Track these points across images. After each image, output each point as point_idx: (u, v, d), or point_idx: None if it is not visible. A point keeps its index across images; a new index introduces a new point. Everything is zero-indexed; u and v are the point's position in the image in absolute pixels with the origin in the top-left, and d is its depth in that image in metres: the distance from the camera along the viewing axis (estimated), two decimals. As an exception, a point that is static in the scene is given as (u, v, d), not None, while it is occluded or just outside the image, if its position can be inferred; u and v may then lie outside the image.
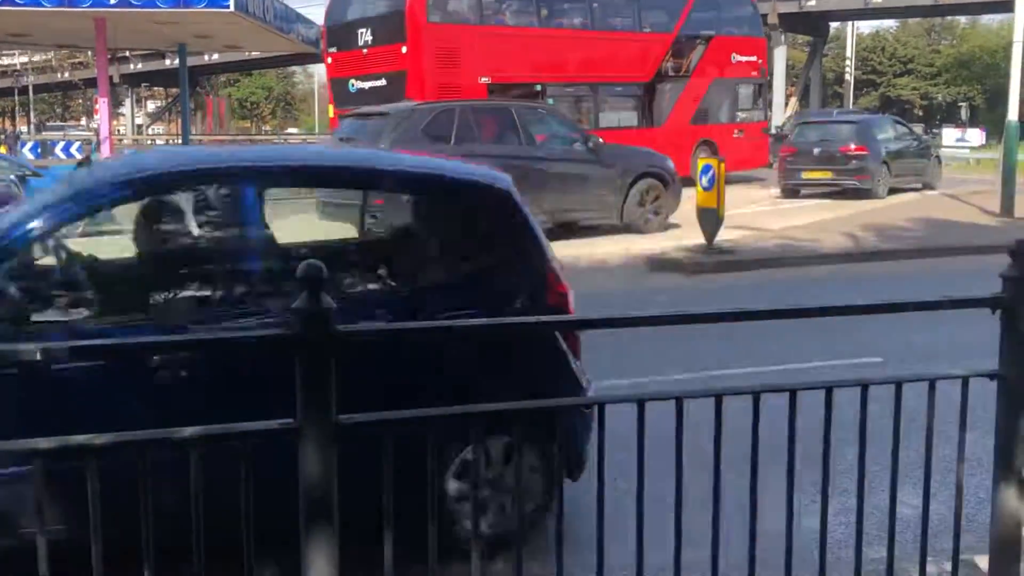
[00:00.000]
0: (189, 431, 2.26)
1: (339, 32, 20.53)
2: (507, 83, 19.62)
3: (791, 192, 21.26)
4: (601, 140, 15.27)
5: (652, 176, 14.64)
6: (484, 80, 19.47)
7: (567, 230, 15.51)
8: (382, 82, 19.15)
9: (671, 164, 15.44)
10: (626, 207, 14.43)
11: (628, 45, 22.04)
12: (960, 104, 58.21)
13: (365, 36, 19.69)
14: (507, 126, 14.03)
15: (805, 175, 20.73)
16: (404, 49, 18.64)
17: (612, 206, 14.40)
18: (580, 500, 4.34)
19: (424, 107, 14.16)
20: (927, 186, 22.85)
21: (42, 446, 2.29)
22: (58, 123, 69.56)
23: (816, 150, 20.56)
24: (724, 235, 12.54)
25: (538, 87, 20.37)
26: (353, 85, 20.00)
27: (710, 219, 11.86)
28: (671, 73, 23.04)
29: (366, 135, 13.13)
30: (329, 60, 20.95)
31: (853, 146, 20.41)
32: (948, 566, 3.23)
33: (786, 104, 50.85)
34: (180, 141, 34.14)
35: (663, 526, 4.09)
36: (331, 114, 21.13)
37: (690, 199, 13.57)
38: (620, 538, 4.01)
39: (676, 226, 14.84)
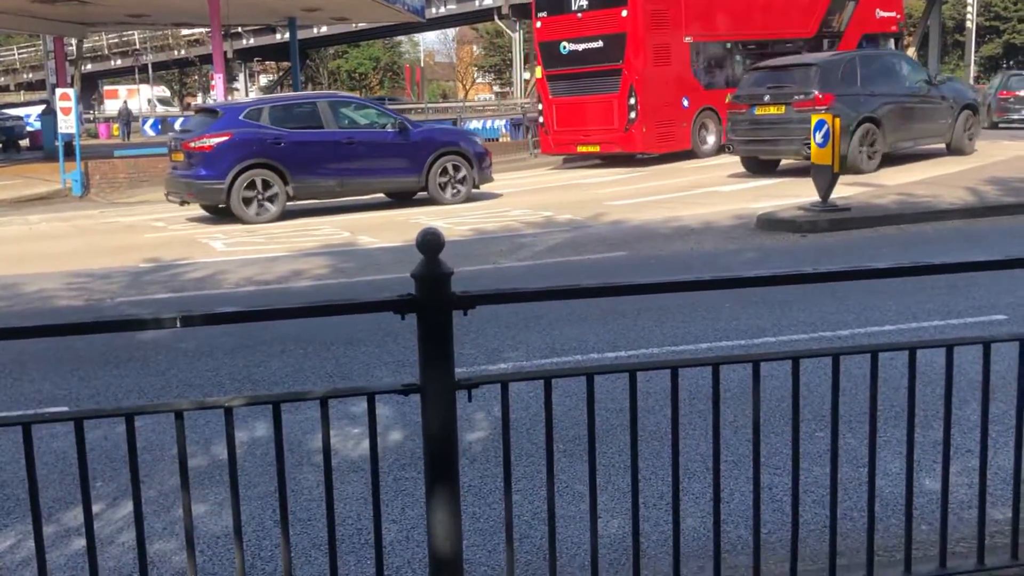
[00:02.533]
0: (320, 391, 2.38)
1: None
2: (703, 42, 22.03)
3: (995, 126, 27.18)
4: (945, 76, 19.79)
5: (970, 108, 18.47)
6: (687, 39, 21.63)
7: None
8: (598, 44, 21.13)
9: (977, 96, 20.34)
10: (955, 132, 18.01)
11: (797, 3, 23.49)
12: (1093, 48, 54.97)
13: (579, 1, 21.42)
14: (885, 70, 17.40)
15: None
16: (624, 13, 20.66)
17: (944, 132, 17.94)
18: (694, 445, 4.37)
19: (837, 58, 17.47)
20: None
21: (184, 406, 2.46)
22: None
23: None
24: (839, 192, 12.24)
25: (728, 44, 22.69)
26: (564, 47, 21.70)
27: (825, 176, 11.57)
28: (828, 29, 24.24)
29: (792, 81, 16.61)
30: (539, 24, 22.44)
31: None
32: (1078, 527, 3.15)
33: (903, 55, 48.93)
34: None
35: (774, 482, 4.09)
36: (539, 75, 22.96)
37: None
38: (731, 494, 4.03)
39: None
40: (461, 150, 15.76)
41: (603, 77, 20.99)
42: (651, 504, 3.99)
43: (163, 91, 60.85)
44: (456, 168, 15.64)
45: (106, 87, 64.19)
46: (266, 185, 14.22)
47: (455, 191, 15.69)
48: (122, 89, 60.14)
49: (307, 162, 14.49)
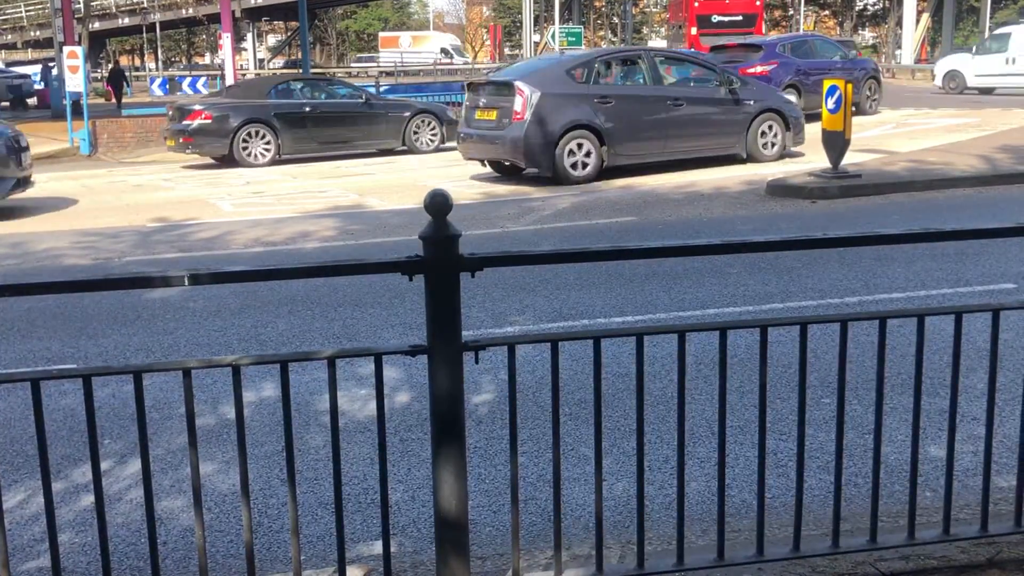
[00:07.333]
0: (327, 351, 2.39)
1: None
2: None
3: None
4: None
5: None
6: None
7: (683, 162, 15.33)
8: (739, 18, 36.47)
9: None
10: None
11: None
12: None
13: None
14: None
15: None
16: (758, 2, 37.63)
17: None
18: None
19: None
20: None
21: (192, 365, 2.46)
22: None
23: None
24: (850, 159, 12.17)
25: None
26: (714, 18, 36.38)
27: (836, 142, 11.48)
28: None
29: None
30: (696, 3, 36.72)
31: None
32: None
33: (917, 22, 48.42)
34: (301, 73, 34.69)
35: (779, 448, 4.11)
36: (693, 32, 36.21)
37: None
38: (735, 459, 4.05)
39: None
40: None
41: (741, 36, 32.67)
42: (656, 468, 4.01)
43: (454, 39, 56.28)
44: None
45: (383, 34, 56.10)
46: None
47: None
48: (405, 36, 54.20)
49: (808, 80, 20.15)
